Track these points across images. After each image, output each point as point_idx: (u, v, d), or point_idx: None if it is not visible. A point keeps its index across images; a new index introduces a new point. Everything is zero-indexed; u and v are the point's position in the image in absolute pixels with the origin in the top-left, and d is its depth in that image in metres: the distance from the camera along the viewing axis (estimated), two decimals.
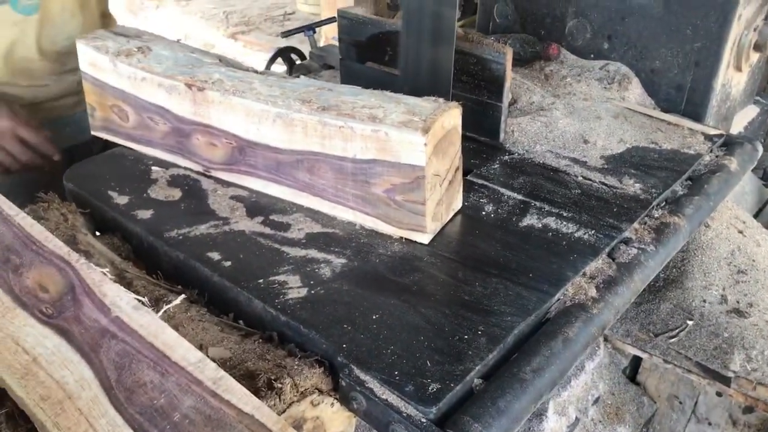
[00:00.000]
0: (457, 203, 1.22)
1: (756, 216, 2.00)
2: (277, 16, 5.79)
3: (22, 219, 1.06)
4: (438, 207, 1.14)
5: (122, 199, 1.26)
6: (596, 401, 1.44)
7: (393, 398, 0.88)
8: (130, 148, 1.40)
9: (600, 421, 1.46)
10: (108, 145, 1.44)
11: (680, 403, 1.57)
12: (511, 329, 0.98)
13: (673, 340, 1.41)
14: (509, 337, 0.97)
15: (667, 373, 1.56)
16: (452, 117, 1.10)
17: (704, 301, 1.45)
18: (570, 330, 1.00)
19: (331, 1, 4.12)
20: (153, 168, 1.35)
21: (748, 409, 1.50)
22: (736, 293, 1.47)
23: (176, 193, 1.28)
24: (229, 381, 0.84)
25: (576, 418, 1.38)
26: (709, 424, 1.55)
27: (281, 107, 1.15)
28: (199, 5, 6.08)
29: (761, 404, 1.34)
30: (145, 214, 1.22)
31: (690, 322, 1.42)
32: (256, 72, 1.28)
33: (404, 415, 0.86)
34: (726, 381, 1.34)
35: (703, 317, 1.42)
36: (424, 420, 0.86)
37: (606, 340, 1.47)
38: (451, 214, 1.21)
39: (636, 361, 1.56)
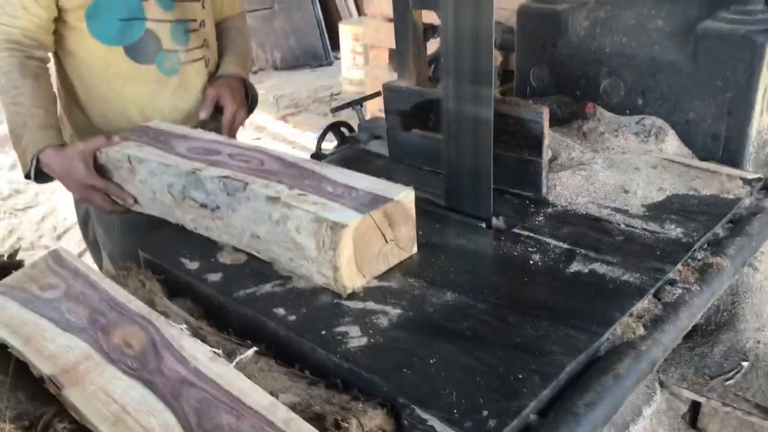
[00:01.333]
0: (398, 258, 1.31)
1: None
2: (324, 96, 6.06)
3: (108, 284, 1.17)
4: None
5: (193, 265, 1.36)
6: None
7: None
8: None
9: None
10: None
11: None
12: (563, 367, 1.03)
13: (729, 382, 1.42)
14: (561, 375, 1.02)
15: (728, 418, 1.56)
16: (368, 224, 1.21)
17: (758, 342, 1.47)
18: (620, 366, 1.05)
19: (375, 78, 4.31)
20: None
21: None
22: None
23: (242, 257, 1.38)
24: (299, 422, 0.91)
25: None
26: None
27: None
28: None
29: None
30: (215, 277, 1.32)
31: (745, 364, 1.43)
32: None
33: None
34: None
35: (758, 358, 1.43)
36: None
37: (662, 385, 1.49)
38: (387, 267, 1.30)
39: (696, 407, 1.56)
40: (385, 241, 1.27)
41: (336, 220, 1.18)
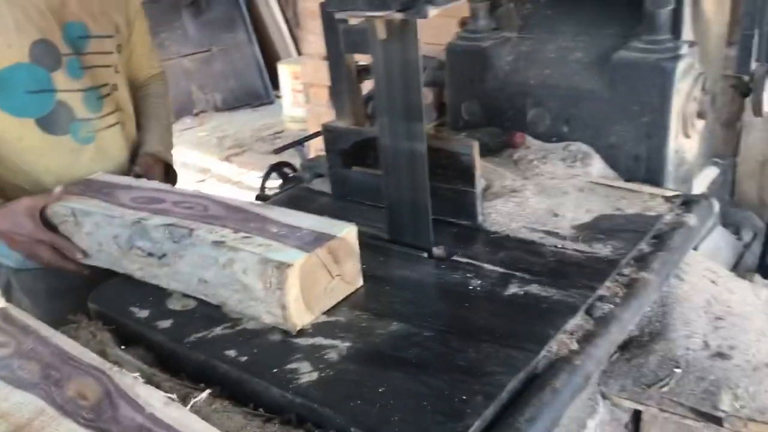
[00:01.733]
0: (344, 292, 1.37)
1: (733, 268, 2.12)
2: (268, 135, 6.11)
3: (59, 338, 1.19)
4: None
5: (143, 313, 1.39)
6: None
7: None
8: None
9: None
10: None
11: None
12: (504, 386, 1.09)
13: (664, 389, 1.50)
14: (503, 393, 1.08)
15: (667, 423, 1.64)
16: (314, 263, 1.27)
17: (688, 349, 1.55)
18: (557, 381, 1.12)
19: (316, 116, 4.39)
20: None
21: None
22: (717, 338, 1.57)
23: (191, 303, 1.41)
24: None
25: None
26: None
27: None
28: (193, 133, 6.42)
29: None
30: (165, 323, 1.35)
31: (678, 370, 1.51)
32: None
33: None
34: (718, 421, 1.42)
35: (689, 364, 1.51)
36: None
37: (604, 397, 1.56)
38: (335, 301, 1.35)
39: (636, 415, 1.64)
40: (331, 277, 1.31)
41: (281, 260, 1.22)
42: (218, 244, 1.31)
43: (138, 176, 1.78)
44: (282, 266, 1.21)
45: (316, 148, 3.82)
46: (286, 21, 7.28)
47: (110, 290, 1.50)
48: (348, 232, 1.33)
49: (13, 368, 1.15)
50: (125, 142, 1.89)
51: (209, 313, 1.37)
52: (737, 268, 2.16)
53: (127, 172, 1.85)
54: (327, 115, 4.32)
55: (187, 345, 1.28)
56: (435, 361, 1.17)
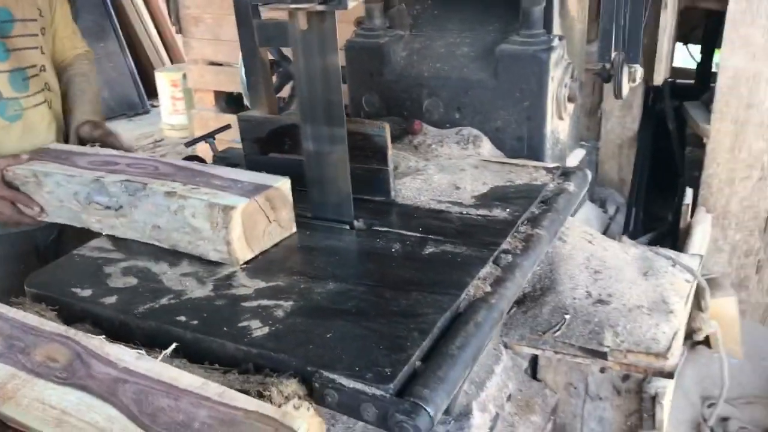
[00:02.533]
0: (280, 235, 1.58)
1: None
2: (147, 144, 6.02)
3: (14, 313, 1.24)
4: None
5: (86, 292, 1.45)
6: (509, 398, 1.73)
7: (359, 386, 1.13)
8: (80, 255, 1.60)
9: (515, 414, 1.75)
10: None
11: (575, 388, 1.89)
12: (435, 323, 1.27)
13: (557, 333, 1.72)
14: (434, 329, 1.26)
15: (560, 365, 1.89)
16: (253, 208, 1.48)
17: (574, 298, 1.79)
18: (478, 316, 1.31)
19: (201, 119, 4.43)
20: (104, 266, 1.55)
21: (626, 377, 1.84)
22: (597, 288, 1.82)
23: (132, 281, 1.49)
24: (231, 392, 1.07)
25: (496, 413, 1.65)
26: (600, 399, 1.87)
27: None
28: None
29: (633, 368, 1.67)
30: (110, 299, 1.42)
31: (567, 317, 1.75)
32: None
33: (370, 395, 1.11)
34: (603, 356, 1.67)
35: (576, 311, 1.75)
36: (386, 395, 1.11)
37: (506, 346, 1.78)
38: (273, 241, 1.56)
39: (534, 360, 1.87)
40: (269, 221, 1.53)
41: (226, 204, 1.43)
42: (170, 194, 1.50)
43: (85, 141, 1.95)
44: (227, 209, 1.42)
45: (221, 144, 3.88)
46: (157, 29, 7.19)
47: (47, 274, 1.55)
48: (283, 183, 1.55)
49: None
50: (52, 120, 2.01)
51: (152, 287, 1.46)
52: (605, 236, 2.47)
53: None
54: (213, 119, 4.40)
55: (136, 315, 1.36)
56: (372, 310, 1.33)
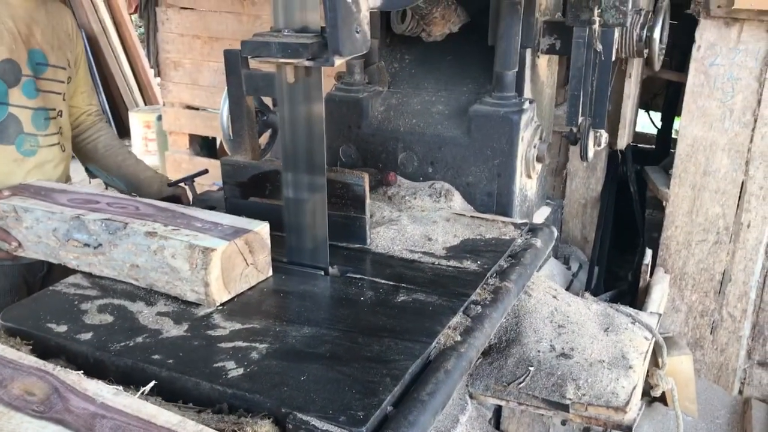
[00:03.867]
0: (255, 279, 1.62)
1: None
2: None
3: None
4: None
5: (62, 328, 1.46)
6: None
7: (332, 428, 1.16)
8: (56, 291, 1.61)
9: None
10: None
11: None
12: (406, 369, 1.31)
13: (521, 385, 1.77)
14: (406, 375, 1.30)
15: (523, 416, 1.93)
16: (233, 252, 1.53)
17: (539, 351, 1.85)
18: (448, 364, 1.36)
19: (175, 161, 4.46)
20: (80, 303, 1.57)
21: (586, 430, 1.89)
22: (561, 342, 1.88)
23: (108, 318, 1.50)
24: (208, 430, 1.09)
25: None
26: None
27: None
28: None
29: (593, 421, 1.72)
30: (86, 336, 1.43)
31: (531, 369, 1.80)
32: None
33: None
34: (565, 408, 1.72)
35: (540, 363, 1.81)
36: None
37: (471, 396, 1.82)
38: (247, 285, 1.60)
39: (498, 412, 1.91)
40: (247, 264, 1.57)
41: (206, 245, 1.47)
42: (150, 234, 1.54)
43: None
44: (207, 250, 1.46)
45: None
46: (133, 70, 7.24)
47: (22, 309, 1.55)
48: (262, 228, 1.60)
49: None
50: (61, 162, 2.12)
51: (128, 325, 1.48)
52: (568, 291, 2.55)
53: None
54: (186, 161, 4.44)
55: (112, 352, 1.38)
56: (345, 354, 1.37)
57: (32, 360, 1.22)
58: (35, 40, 2.01)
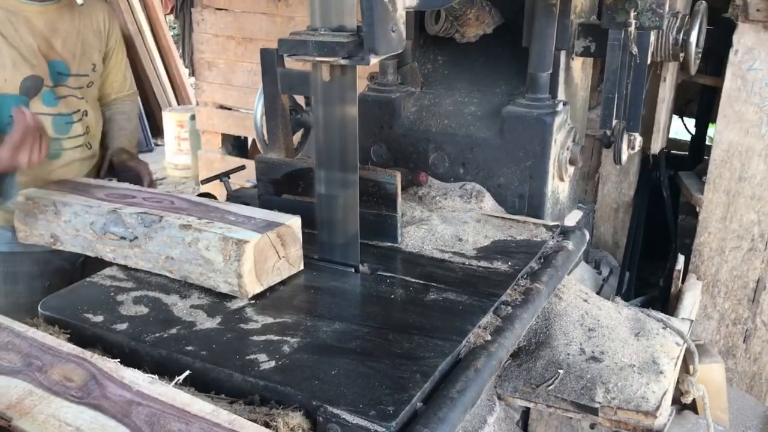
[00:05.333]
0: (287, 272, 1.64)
1: None
2: None
3: (33, 333, 1.29)
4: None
5: (98, 318, 1.49)
6: None
7: (362, 422, 1.17)
8: (93, 282, 1.65)
9: None
10: None
11: None
12: (436, 366, 1.32)
13: (550, 387, 1.77)
14: (436, 372, 1.31)
15: (551, 419, 1.92)
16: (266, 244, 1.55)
17: (568, 354, 1.85)
18: (478, 363, 1.36)
19: (207, 160, 4.52)
20: (116, 295, 1.60)
21: None
22: (591, 345, 1.88)
23: (143, 309, 1.53)
24: (241, 420, 1.11)
25: None
26: None
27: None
28: None
29: (623, 425, 1.71)
30: (122, 326, 1.46)
31: (561, 371, 1.79)
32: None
33: (373, 431, 1.16)
34: (594, 411, 1.71)
35: (570, 366, 1.80)
36: None
37: (500, 398, 1.82)
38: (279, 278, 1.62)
39: (526, 414, 1.91)
40: (278, 257, 1.59)
41: (240, 238, 1.49)
42: (185, 227, 1.57)
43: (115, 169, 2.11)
44: (240, 242, 1.48)
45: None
46: (167, 70, 7.35)
47: (60, 299, 1.59)
48: (294, 222, 1.62)
49: None
50: (89, 158, 2.15)
51: (162, 317, 1.50)
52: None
53: None
54: (218, 160, 4.49)
55: (146, 343, 1.40)
56: (376, 350, 1.37)
57: (71, 347, 1.25)
58: (56, 52, 2.01)
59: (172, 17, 6.93)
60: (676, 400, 2.24)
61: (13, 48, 1.89)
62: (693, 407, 2.60)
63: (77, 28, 2.07)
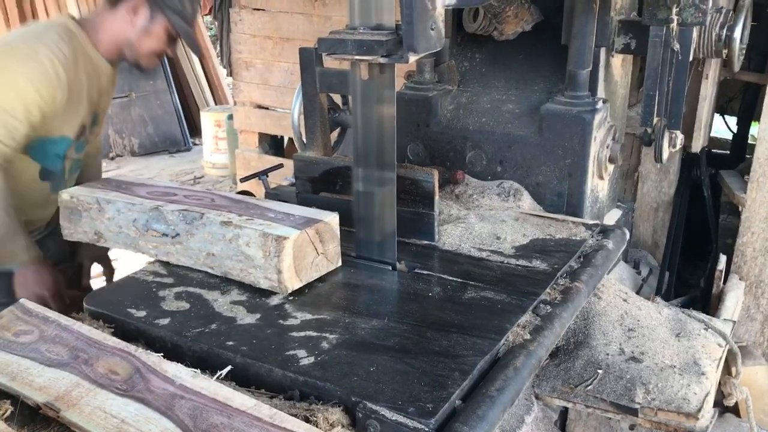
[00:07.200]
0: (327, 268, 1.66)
1: None
2: (188, 180, 6.18)
3: (79, 326, 1.32)
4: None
5: (141, 313, 1.52)
6: None
7: (401, 418, 1.17)
8: (135, 278, 1.68)
9: None
10: None
11: None
12: (475, 365, 1.31)
13: (589, 387, 1.75)
14: (474, 371, 1.30)
15: (590, 420, 1.90)
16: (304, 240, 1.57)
17: (608, 354, 1.83)
18: (517, 361, 1.35)
19: (245, 159, 4.57)
20: (158, 290, 1.63)
21: None
22: (630, 345, 1.85)
23: (184, 305, 1.56)
24: (282, 415, 1.12)
25: None
26: None
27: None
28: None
29: (663, 426, 1.69)
30: (164, 321, 1.49)
31: (600, 372, 1.78)
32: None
33: (411, 428, 1.16)
34: (634, 412, 1.69)
35: (609, 367, 1.78)
36: (427, 429, 1.15)
37: (537, 397, 1.80)
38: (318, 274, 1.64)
39: (564, 414, 1.89)
40: (317, 253, 1.61)
41: (279, 234, 1.51)
42: (226, 223, 1.59)
43: None
44: (280, 239, 1.50)
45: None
46: (204, 71, 7.45)
47: (104, 295, 1.63)
48: (332, 219, 1.64)
49: (41, 351, 1.26)
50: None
51: (203, 312, 1.53)
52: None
53: None
54: (255, 159, 4.53)
55: (188, 337, 1.43)
56: (414, 348, 1.38)
57: (115, 341, 1.28)
58: (98, 105, 2.16)
59: (209, 18, 7.02)
60: (719, 403, 2.20)
61: (89, 99, 2.05)
62: (735, 410, 2.55)
63: (112, 85, 2.24)
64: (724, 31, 2.15)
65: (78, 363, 1.23)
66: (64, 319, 1.34)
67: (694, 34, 2.07)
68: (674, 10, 1.90)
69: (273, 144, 4.73)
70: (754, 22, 2.41)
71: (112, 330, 1.47)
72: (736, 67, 2.29)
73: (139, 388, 1.17)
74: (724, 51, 2.20)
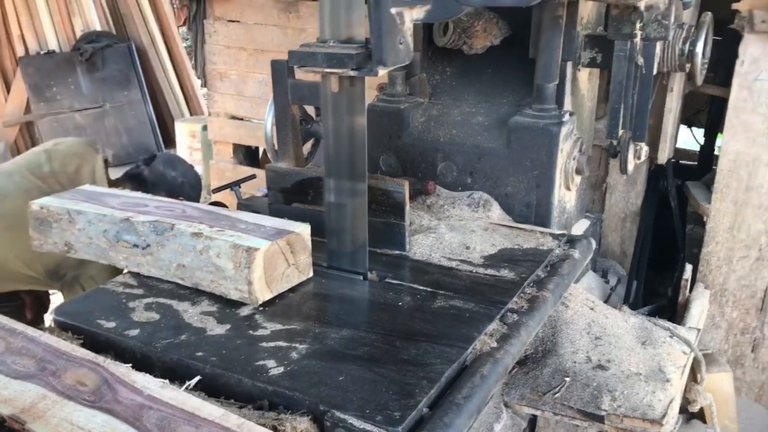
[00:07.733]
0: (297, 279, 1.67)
1: None
2: None
3: (47, 337, 1.32)
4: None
5: (110, 324, 1.52)
6: None
7: (368, 426, 1.19)
8: (106, 289, 1.68)
9: None
10: None
11: None
12: (443, 373, 1.34)
13: (557, 395, 1.78)
14: (442, 379, 1.33)
15: (558, 427, 1.93)
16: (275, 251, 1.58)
17: (575, 362, 1.86)
18: (484, 369, 1.38)
19: (219, 170, 4.56)
20: (128, 301, 1.63)
21: None
22: (597, 353, 1.88)
23: (155, 316, 1.56)
24: (250, 424, 1.13)
25: None
26: None
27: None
28: None
29: None
30: (134, 332, 1.49)
31: (567, 380, 1.80)
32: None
33: None
34: (601, 419, 1.71)
35: (576, 374, 1.81)
36: None
37: (506, 405, 1.83)
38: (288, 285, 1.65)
39: (532, 422, 1.92)
40: (288, 264, 1.62)
41: (250, 245, 1.52)
42: (196, 234, 1.60)
43: None
44: (250, 250, 1.51)
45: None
46: (179, 81, 7.42)
47: (73, 306, 1.62)
48: (303, 229, 1.65)
49: (7, 363, 1.26)
50: None
51: (173, 323, 1.53)
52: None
53: None
54: (230, 170, 4.53)
55: (158, 348, 1.43)
56: (383, 357, 1.40)
57: (84, 352, 1.28)
58: None
59: (184, 29, 7.01)
60: (684, 409, 2.24)
61: None
62: (702, 416, 2.59)
63: None
64: (687, 46, 2.21)
65: (45, 375, 1.23)
66: (31, 331, 1.34)
67: (658, 49, 2.12)
68: (638, 25, 1.95)
69: (248, 155, 4.73)
70: (718, 37, 2.48)
71: (82, 341, 1.47)
72: (699, 80, 2.36)
73: (107, 399, 1.17)
74: (687, 65, 2.25)
